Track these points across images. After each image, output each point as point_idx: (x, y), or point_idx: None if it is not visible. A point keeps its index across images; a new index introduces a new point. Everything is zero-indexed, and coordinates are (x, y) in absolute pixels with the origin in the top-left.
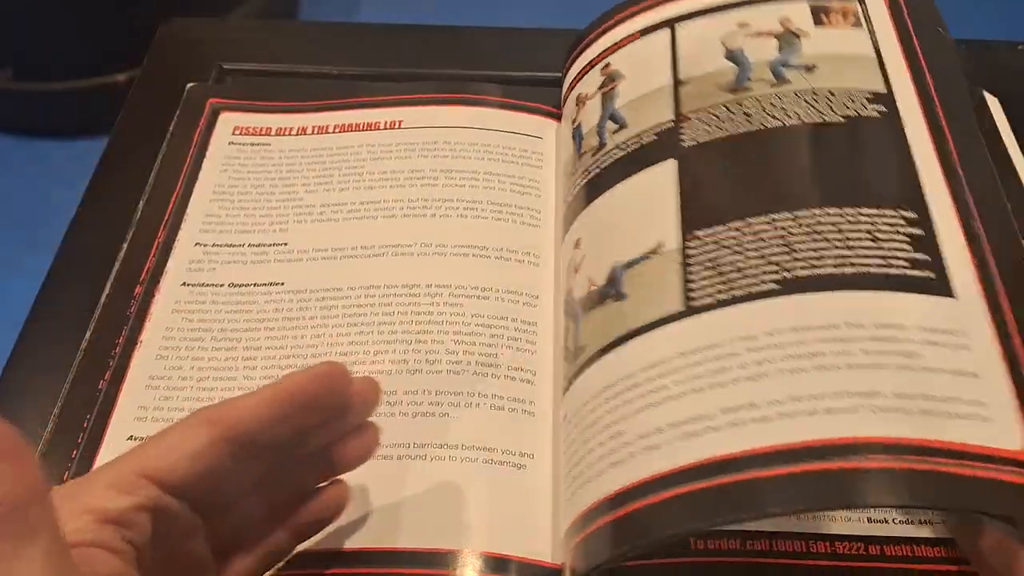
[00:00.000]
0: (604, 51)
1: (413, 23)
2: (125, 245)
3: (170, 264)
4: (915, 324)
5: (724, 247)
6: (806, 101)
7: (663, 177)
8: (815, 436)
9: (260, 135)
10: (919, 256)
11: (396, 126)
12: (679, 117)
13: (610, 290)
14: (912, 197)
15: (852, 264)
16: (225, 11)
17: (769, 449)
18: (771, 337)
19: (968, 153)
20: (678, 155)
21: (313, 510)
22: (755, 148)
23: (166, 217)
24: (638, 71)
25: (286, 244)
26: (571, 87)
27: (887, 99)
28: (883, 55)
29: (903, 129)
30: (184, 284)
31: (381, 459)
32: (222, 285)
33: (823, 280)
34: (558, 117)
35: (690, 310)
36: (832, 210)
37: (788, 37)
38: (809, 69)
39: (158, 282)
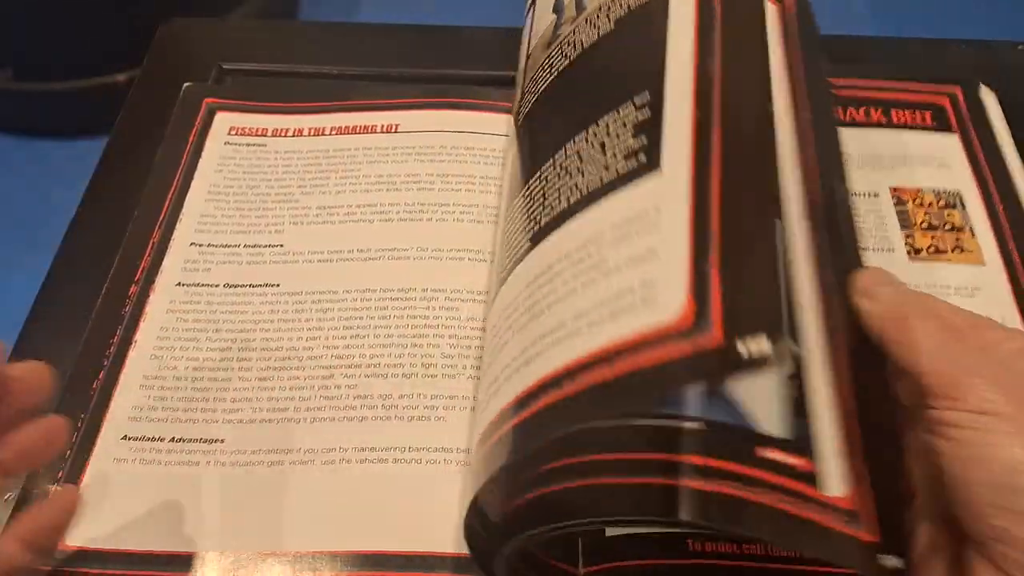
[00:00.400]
0: None
1: (413, 23)
2: (121, 245)
3: (165, 263)
4: (610, 225)
5: (512, 216)
6: (589, 22)
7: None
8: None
9: (256, 135)
10: (636, 143)
11: (392, 129)
12: (522, 95)
13: None
14: (650, 79)
15: (578, 188)
16: (225, 11)
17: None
18: (515, 305)
19: (733, 15)
20: (517, 134)
21: (43, 514)
22: (550, 102)
23: (161, 217)
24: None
25: (282, 246)
26: None
27: None
28: None
29: (668, 5)
30: (179, 284)
31: (378, 463)
32: (217, 285)
33: (557, 220)
34: None
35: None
36: (577, 138)
37: None
38: None
39: (153, 282)
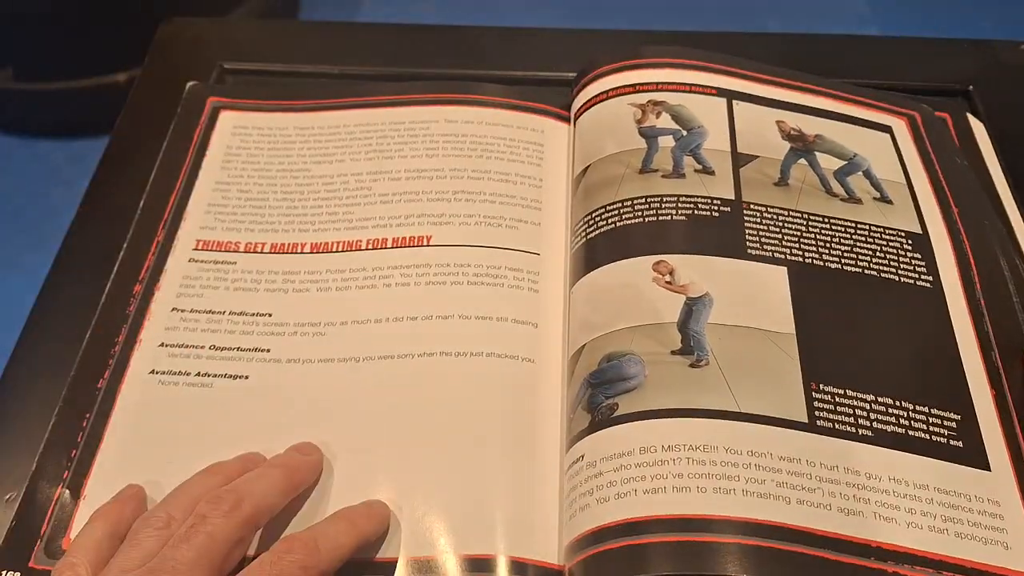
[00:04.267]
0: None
1: (413, 23)
2: (125, 244)
3: (169, 262)
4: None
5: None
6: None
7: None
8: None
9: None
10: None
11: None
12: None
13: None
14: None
15: None
16: (225, 11)
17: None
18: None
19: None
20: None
21: (377, 524)
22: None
23: (165, 216)
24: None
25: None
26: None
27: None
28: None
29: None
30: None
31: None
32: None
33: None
34: (566, 119)
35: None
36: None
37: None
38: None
39: (158, 280)
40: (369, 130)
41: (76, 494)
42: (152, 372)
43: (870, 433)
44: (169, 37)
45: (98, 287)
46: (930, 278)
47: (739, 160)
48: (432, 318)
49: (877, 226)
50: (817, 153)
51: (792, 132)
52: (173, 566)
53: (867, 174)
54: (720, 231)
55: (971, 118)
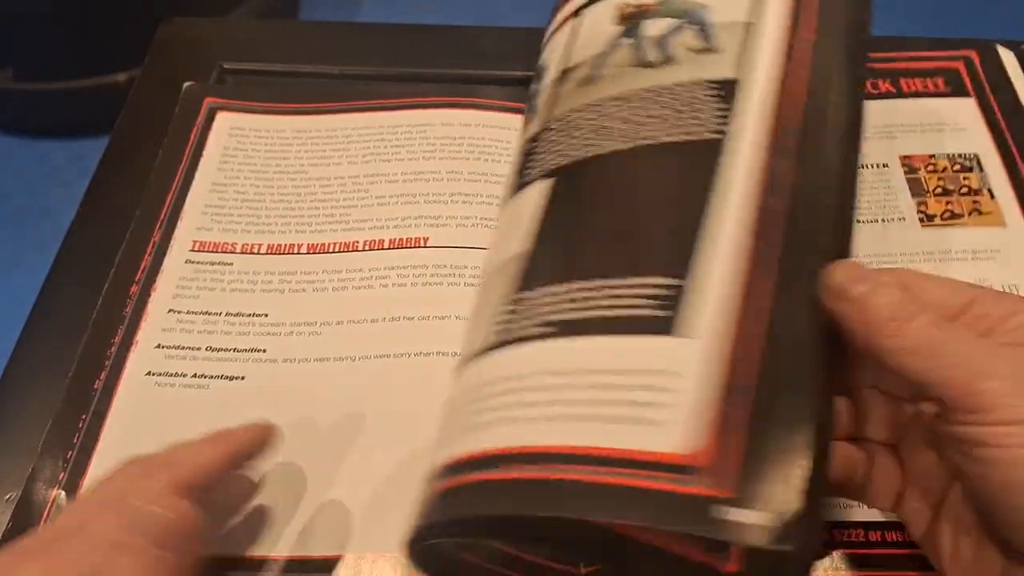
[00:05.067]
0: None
1: (413, 23)
2: (122, 245)
3: (166, 264)
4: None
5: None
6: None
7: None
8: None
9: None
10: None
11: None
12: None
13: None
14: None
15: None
16: (225, 11)
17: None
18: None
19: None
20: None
21: (247, 435)
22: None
23: (162, 217)
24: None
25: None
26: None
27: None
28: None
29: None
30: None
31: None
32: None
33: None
34: None
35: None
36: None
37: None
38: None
39: (154, 281)
40: (366, 133)
41: (72, 495)
42: (148, 373)
43: (551, 328)
44: (169, 37)
45: (97, 287)
46: (720, 130)
47: (560, 81)
48: (429, 319)
49: (678, 84)
50: (647, 23)
51: (629, 12)
52: None
53: (703, 26)
54: (511, 179)
55: (1001, 50)
